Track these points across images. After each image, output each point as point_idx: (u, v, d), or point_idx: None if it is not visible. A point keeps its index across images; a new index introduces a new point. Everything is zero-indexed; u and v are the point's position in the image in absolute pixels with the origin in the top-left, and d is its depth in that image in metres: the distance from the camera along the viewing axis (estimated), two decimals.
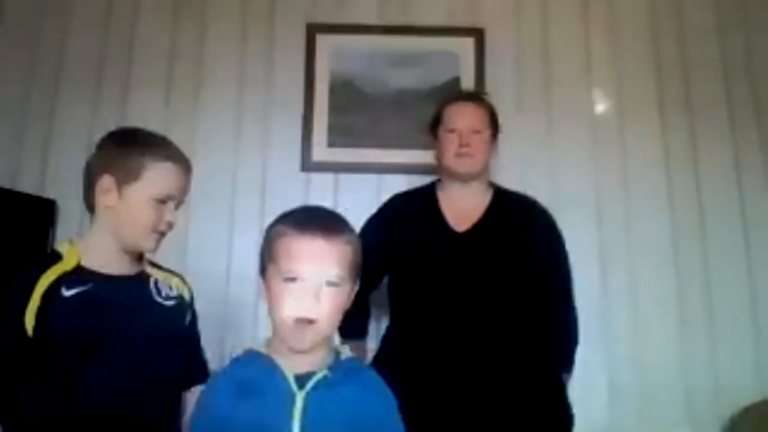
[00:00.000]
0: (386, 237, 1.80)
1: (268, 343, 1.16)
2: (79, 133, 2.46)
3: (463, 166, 1.80)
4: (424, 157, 2.30)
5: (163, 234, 1.37)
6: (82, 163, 2.33)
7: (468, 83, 2.52)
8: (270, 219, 2.44)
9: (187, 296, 1.47)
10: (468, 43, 2.58)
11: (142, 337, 1.32)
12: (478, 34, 2.59)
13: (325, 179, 2.48)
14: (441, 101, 1.93)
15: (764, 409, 2.22)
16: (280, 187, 2.46)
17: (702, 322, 2.38)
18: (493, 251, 1.75)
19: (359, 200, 2.22)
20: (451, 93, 2.00)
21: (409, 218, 1.85)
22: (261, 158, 2.50)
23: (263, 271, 1.15)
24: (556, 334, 1.79)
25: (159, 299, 1.40)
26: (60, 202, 2.38)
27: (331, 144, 2.50)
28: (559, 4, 2.66)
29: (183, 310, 1.45)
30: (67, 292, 1.28)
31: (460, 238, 1.77)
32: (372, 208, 1.95)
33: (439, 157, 1.88)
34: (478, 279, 1.73)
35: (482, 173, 1.85)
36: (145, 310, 1.37)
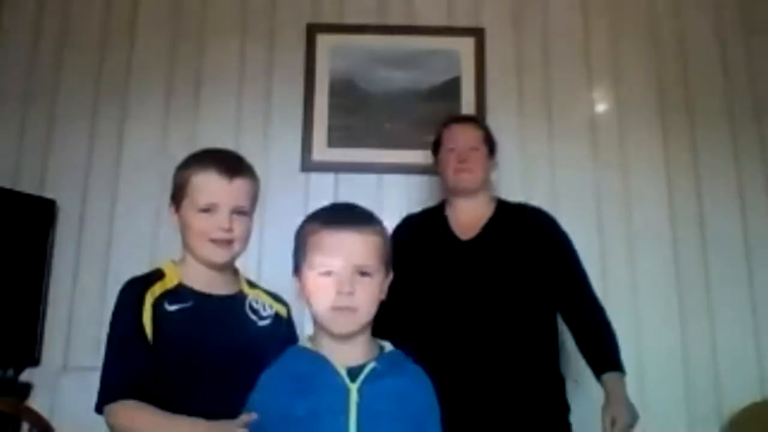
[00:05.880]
0: (400, 264, 1.81)
1: (312, 339, 1.19)
2: (80, 134, 2.47)
3: (463, 181, 1.89)
4: (424, 157, 2.29)
5: (228, 242, 1.36)
6: (82, 163, 2.33)
7: (468, 83, 2.53)
8: (270, 219, 2.43)
9: (283, 313, 1.48)
10: (468, 43, 2.58)
11: (236, 358, 1.33)
12: (478, 34, 2.59)
13: (325, 179, 2.48)
14: (439, 125, 2.01)
15: (764, 408, 2.22)
16: (280, 187, 2.45)
17: (702, 321, 2.38)
18: (498, 257, 1.80)
19: (359, 200, 2.20)
20: (448, 116, 2.10)
21: (419, 234, 1.91)
22: (261, 158, 2.49)
23: (297, 270, 1.18)
24: (604, 335, 1.78)
25: (254, 318, 1.42)
26: (60, 202, 2.38)
27: (331, 144, 2.50)
28: (559, 5, 2.66)
29: (277, 328, 1.46)
30: (170, 307, 1.32)
31: (465, 246, 1.83)
32: (372, 208, 1.93)
33: (442, 177, 1.96)
34: (483, 284, 1.77)
35: (483, 188, 1.92)
36: (241, 331, 1.39)
